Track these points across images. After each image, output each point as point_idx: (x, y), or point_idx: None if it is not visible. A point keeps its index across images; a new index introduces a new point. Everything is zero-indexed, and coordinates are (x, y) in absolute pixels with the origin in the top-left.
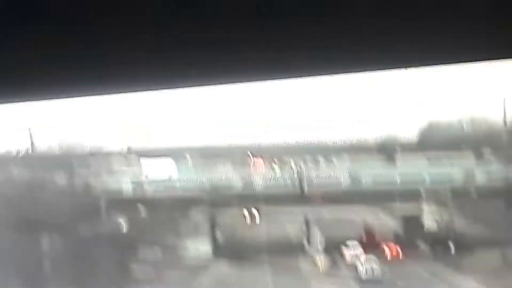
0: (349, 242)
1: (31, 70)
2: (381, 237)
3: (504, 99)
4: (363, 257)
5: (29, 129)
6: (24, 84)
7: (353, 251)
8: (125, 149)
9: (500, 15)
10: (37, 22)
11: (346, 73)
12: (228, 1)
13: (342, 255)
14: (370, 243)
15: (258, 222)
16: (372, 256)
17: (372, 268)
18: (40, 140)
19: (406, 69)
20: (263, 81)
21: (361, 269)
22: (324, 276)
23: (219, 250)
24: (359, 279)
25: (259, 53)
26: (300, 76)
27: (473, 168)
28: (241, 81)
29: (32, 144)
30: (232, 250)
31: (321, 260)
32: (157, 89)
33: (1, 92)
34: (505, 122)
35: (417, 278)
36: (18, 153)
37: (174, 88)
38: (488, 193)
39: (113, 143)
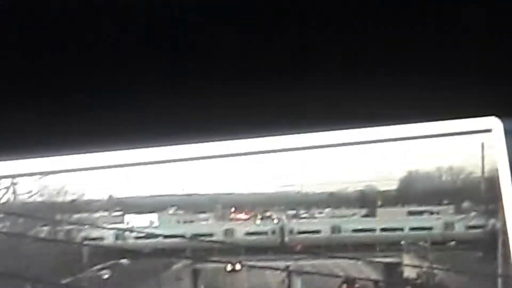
0: None
1: (16, 129)
2: (361, 286)
3: (482, 144)
4: None
5: (12, 179)
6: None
7: None
8: (107, 198)
9: (482, 75)
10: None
11: (327, 131)
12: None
13: None
14: None
15: (240, 272)
16: None
17: None
18: (22, 189)
19: (388, 126)
20: (244, 139)
21: None
22: None
23: None
24: None
25: (242, 111)
26: (283, 134)
27: (452, 220)
28: (226, 139)
29: (14, 193)
30: None
31: None
32: (143, 147)
33: None
34: (483, 171)
35: None
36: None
37: (158, 146)
38: (467, 245)
39: (96, 193)
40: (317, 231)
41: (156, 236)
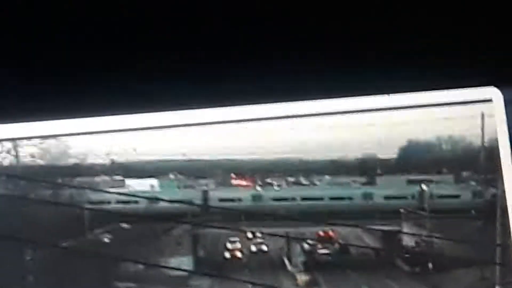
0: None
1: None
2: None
3: (482, 114)
4: None
5: (15, 142)
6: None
7: None
8: (108, 162)
9: (482, 45)
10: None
11: (328, 99)
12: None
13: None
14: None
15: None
16: None
17: None
18: (25, 152)
19: (389, 95)
20: (246, 105)
21: None
22: None
23: (200, 265)
24: None
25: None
26: (283, 101)
27: (451, 189)
28: (227, 105)
29: (17, 156)
30: (213, 266)
31: (301, 277)
32: (143, 112)
33: None
34: (482, 141)
35: None
36: (2, 165)
37: (161, 111)
38: (466, 214)
39: (98, 157)
40: (319, 198)
41: (156, 200)
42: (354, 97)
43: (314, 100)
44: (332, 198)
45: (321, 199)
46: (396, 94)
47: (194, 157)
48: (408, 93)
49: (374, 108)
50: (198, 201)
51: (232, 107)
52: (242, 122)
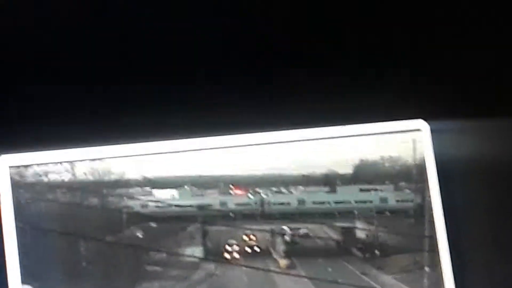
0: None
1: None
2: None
3: (414, 140)
4: None
5: (72, 163)
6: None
7: None
8: (140, 178)
9: (411, 89)
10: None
11: (298, 129)
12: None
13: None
14: None
15: (237, 232)
16: None
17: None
18: (79, 171)
19: (343, 126)
20: (240, 134)
21: None
22: (284, 271)
23: (208, 253)
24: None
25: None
26: (273, 130)
27: (392, 195)
28: (224, 134)
29: (74, 174)
30: (218, 253)
31: (282, 261)
32: (167, 139)
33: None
34: (414, 160)
35: (352, 275)
36: (62, 180)
37: (178, 138)
38: (402, 214)
39: (132, 174)
40: (291, 203)
41: (176, 206)
42: (316, 127)
43: (287, 130)
44: (304, 203)
45: (296, 203)
46: (347, 125)
47: (202, 173)
48: (358, 124)
49: (333, 136)
50: (209, 205)
51: (228, 136)
52: (238, 147)
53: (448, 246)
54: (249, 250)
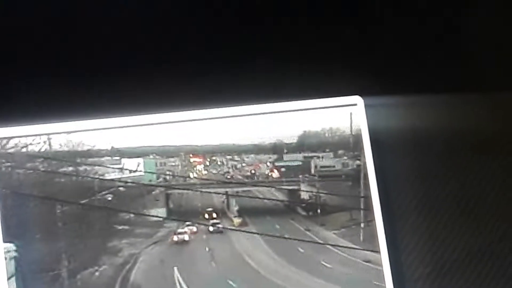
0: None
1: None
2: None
3: (351, 113)
4: None
5: (48, 135)
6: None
7: None
8: (110, 148)
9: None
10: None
11: (246, 105)
12: None
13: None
14: None
15: (194, 195)
16: None
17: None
18: (55, 143)
19: (287, 101)
20: (200, 109)
21: None
22: (237, 228)
23: (171, 214)
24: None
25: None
26: (230, 105)
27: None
28: (186, 109)
29: (49, 145)
30: (179, 214)
31: (236, 220)
32: (135, 114)
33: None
34: (351, 131)
35: (297, 231)
36: (39, 150)
37: (147, 113)
38: (341, 177)
39: (103, 144)
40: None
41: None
42: (265, 103)
43: (238, 106)
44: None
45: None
46: (292, 101)
47: (165, 144)
48: (302, 100)
49: (280, 111)
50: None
51: (187, 111)
52: (196, 121)
53: (380, 205)
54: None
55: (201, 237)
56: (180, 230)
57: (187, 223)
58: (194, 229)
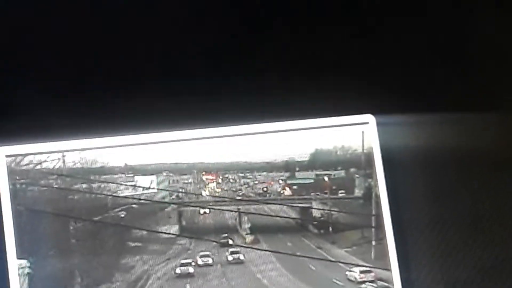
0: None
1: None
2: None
3: (363, 131)
4: None
5: (63, 153)
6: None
7: None
8: (123, 165)
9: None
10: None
11: (261, 123)
12: None
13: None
14: None
15: (208, 214)
16: None
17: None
18: (68, 160)
19: (302, 120)
20: (212, 127)
21: None
22: (249, 245)
23: (183, 231)
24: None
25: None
26: (241, 124)
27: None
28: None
29: (63, 162)
30: (192, 231)
31: (248, 237)
32: (148, 132)
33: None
34: (363, 149)
35: (308, 249)
36: (54, 167)
37: (159, 131)
38: (353, 195)
39: (116, 162)
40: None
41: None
42: (277, 121)
43: (251, 124)
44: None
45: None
46: (305, 119)
47: (178, 161)
48: (314, 118)
49: (292, 129)
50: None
51: (200, 129)
52: (209, 139)
53: (391, 223)
54: None
55: (216, 269)
56: (183, 261)
57: (201, 253)
58: (210, 260)
